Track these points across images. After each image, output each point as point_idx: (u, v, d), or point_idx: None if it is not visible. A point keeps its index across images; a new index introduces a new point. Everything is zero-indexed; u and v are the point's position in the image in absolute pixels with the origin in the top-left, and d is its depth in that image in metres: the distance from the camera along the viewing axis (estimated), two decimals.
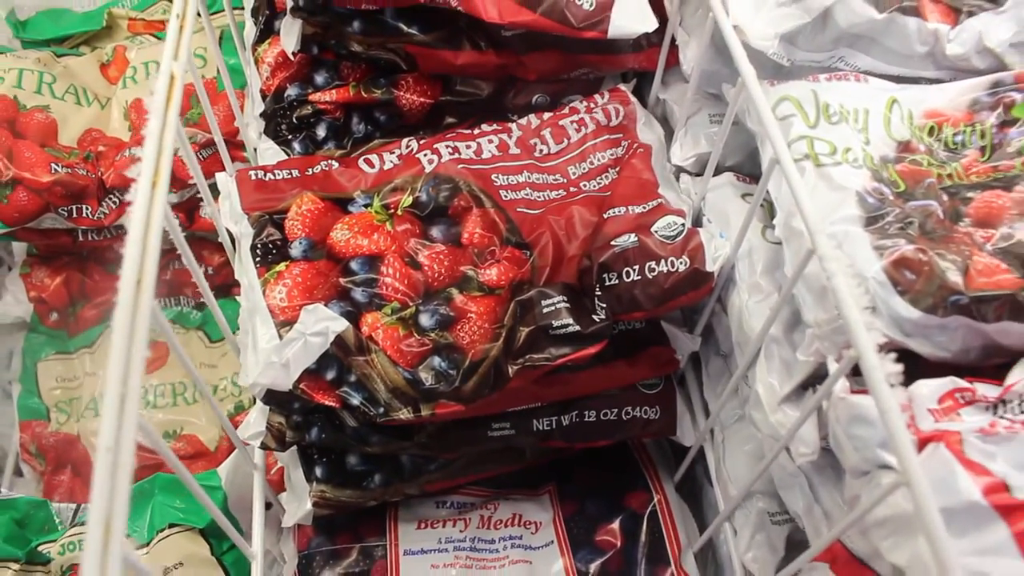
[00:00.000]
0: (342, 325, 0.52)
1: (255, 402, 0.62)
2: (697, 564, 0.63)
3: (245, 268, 0.56)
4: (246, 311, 0.56)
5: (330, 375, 0.53)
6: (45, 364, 0.80)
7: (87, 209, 0.74)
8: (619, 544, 0.63)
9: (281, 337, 0.52)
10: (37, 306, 0.80)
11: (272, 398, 0.54)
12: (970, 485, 0.41)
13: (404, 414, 0.53)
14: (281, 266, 0.56)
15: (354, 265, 0.56)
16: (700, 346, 0.61)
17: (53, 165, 0.72)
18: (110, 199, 0.74)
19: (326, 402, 0.53)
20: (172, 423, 0.75)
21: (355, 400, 0.53)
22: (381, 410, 0.53)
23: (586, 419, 0.61)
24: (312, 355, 0.52)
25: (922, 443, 0.44)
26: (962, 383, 0.49)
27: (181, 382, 0.77)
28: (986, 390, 0.49)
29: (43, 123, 0.75)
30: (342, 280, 0.56)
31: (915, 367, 0.49)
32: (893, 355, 0.38)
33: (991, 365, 0.51)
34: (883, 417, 0.37)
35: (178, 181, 0.74)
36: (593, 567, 0.62)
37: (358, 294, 0.55)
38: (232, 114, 0.71)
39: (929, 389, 0.48)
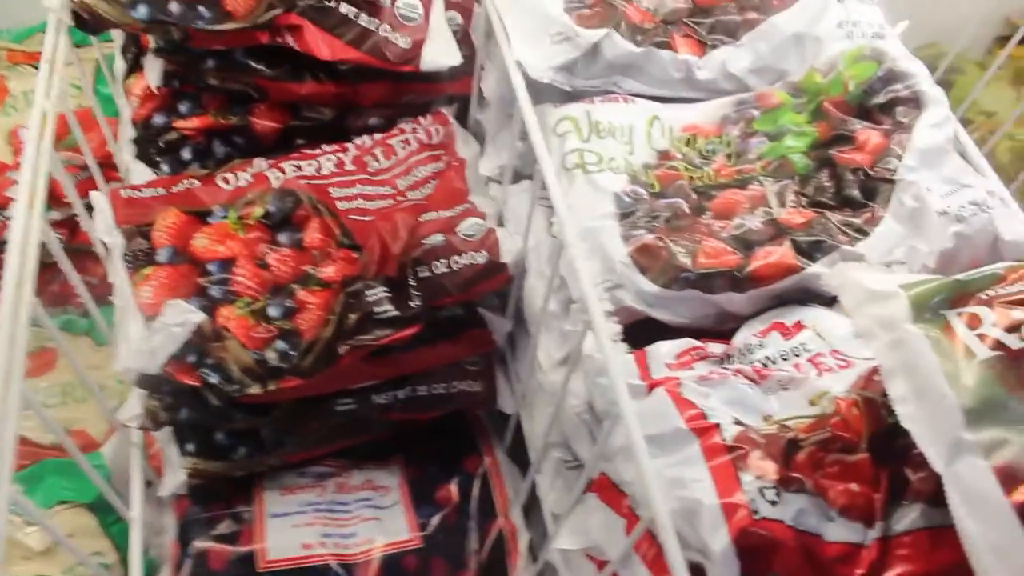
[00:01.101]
0: (199, 317, 0.65)
1: None
2: (527, 517, 0.78)
3: (118, 273, 0.69)
4: (119, 310, 0.68)
5: (191, 359, 0.66)
6: None
7: None
8: (455, 500, 0.77)
9: (148, 329, 0.65)
10: None
11: (144, 381, 0.67)
12: (676, 415, 0.56)
13: (254, 389, 0.66)
14: (148, 269, 0.69)
15: (211, 267, 0.70)
16: (513, 327, 0.76)
17: None
18: None
19: (189, 382, 0.66)
20: (63, 420, 0.87)
21: (213, 379, 0.66)
22: (235, 387, 0.66)
23: (418, 393, 0.75)
24: (175, 343, 0.65)
25: (651, 387, 0.59)
26: (696, 343, 0.64)
27: (70, 382, 0.89)
28: (715, 348, 0.64)
29: None
30: (200, 280, 0.69)
31: (667, 336, 0.65)
32: (615, 319, 0.52)
33: (727, 329, 0.67)
34: (607, 367, 0.51)
35: (59, 201, 0.86)
36: (434, 520, 0.76)
37: (214, 291, 0.68)
38: (105, 140, 0.83)
39: (667, 348, 0.63)
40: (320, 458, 0.79)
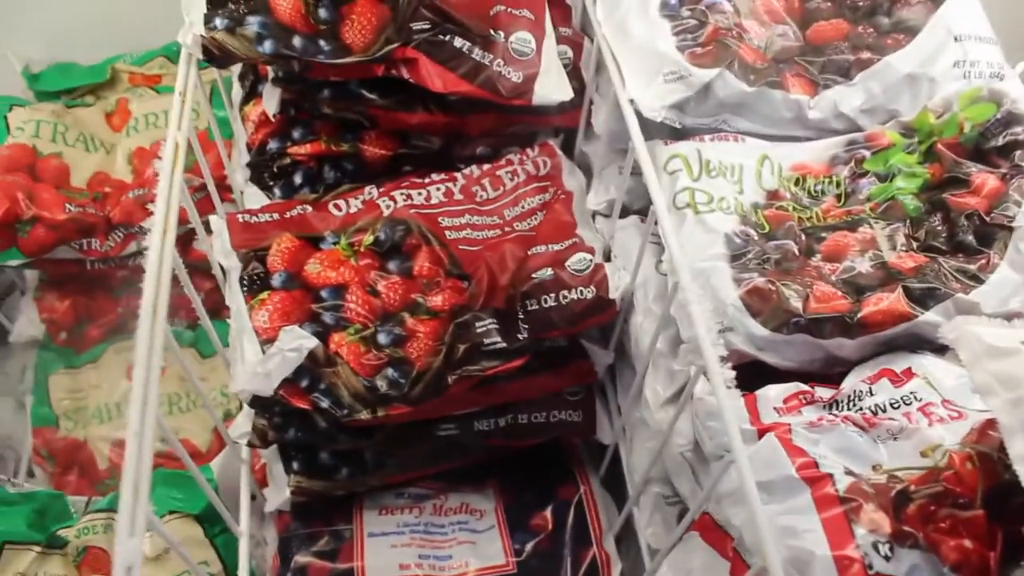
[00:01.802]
0: (313, 343, 0.68)
1: (242, 408, 0.78)
2: (619, 546, 0.79)
3: (234, 296, 0.72)
4: (235, 331, 0.72)
5: (304, 383, 0.69)
6: (55, 378, 0.95)
7: (95, 242, 0.90)
8: (550, 528, 0.78)
9: (264, 352, 0.68)
10: (48, 326, 0.96)
11: (257, 402, 0.70)
12: (788, 463, 0.57)
13: (363, 415, 0.69)
14: (264, 294, 0.72)
15: (324, 293, 0.73)
16: (615, 360, 0.77)
17: (67, 205, 0.89)
18: (116, 233, 0.90)
19: (301, 405, 0.69)
20: (173, 429, 0.91)
21: (324, 403, 0.69)
22: (345, 412, 0.69)
23: (519, 421, 0.77)
24: (289, 367, 0.68)
25: (761, 433, 0.60)
26: (804, 387, 0.65)
27: (176, 393, 0.93)
28: (823, 392, 0.65)
29: (58, 168, 0.92)
30: (314, 306, 0.72)
31: (772, 376, 0.66)
32: (730, 364, 0.54)
33: (836, 373, 0.68)
34: (721, 412, 0.52)
35: (181, 218, 0.90)
36: (528, 546, 0.77)
37: (327, 317, 0.71)
38: (221, 160, 0.87)
39: (776, 391, 0.64)
40: (419, 480, 0.81)
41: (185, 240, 0.94)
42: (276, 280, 0.73)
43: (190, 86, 0.71)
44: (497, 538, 0.78)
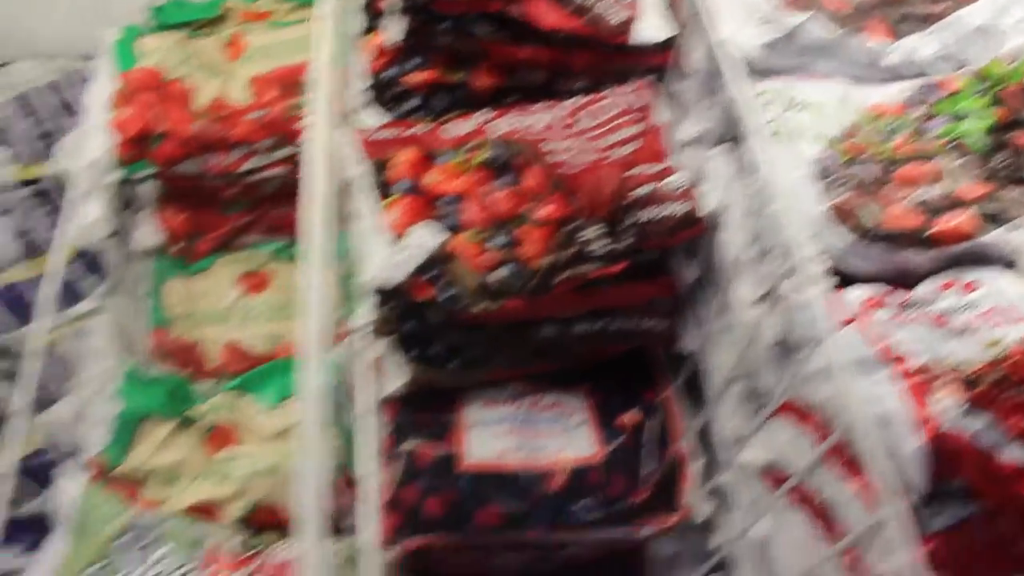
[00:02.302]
0: (439, 239, 0.77)
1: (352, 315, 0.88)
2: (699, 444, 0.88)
3: (367, 199, 0.81)
4: (364, 230, 0.80)
5: (428, 276, 0.78)
6: (169, 284, 1.05)
7: (217, 159, 0.99)
8: (635, 426, 0.87)
9: (394, 247, 0.77)
10: (166, 237, 1.05)
11: (383, 293, 0.79)
12: (868, 346, 0.66)
13: (479, 307, 0.78)
14: (392, 198, 0.81)
15: (443, 200, 0.81)
16: (699, 273, 0.86)
17: (192, 123, 0.98)
18: (235, 151, 0.99)
19: (423, 296, 0.77)
20: (274, 334, 1.00)
21: (444, 295, 0.77)
22: (463, 304, 0.78)
23: (611, 327, 0.86)
24: (417, 260, 0.77)
25: (845, 323, 0.69)
26: (883, 290, 0.74)
27: (280, 300, 1.02)
28: (899, 296, 0.74)
29: (182, 90, 1.01)
30: (435, 210, 0.81)
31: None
32: (825, 267, 0.62)
33: (908, 285, 0.76)
34: (809, 304, 0.61)
35: (289, 140, 0.99)
36: (615, 442, 0.86)
37: (447, 220, 0.80)
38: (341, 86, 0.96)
39: (857, 292, 0.73)
40: (517, 378, 0.90)
41: (296, 161, 1.02)
42: (400, 188, 0.82)
43: (333, 11, 0.80)
44: (587, 433, 0.87)
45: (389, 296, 0.80)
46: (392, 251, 0.78)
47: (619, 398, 0.90)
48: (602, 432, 0.87)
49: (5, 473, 0.78)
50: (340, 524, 0.92)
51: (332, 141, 0.70)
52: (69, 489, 0.83)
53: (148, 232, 1.06)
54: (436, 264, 0.78)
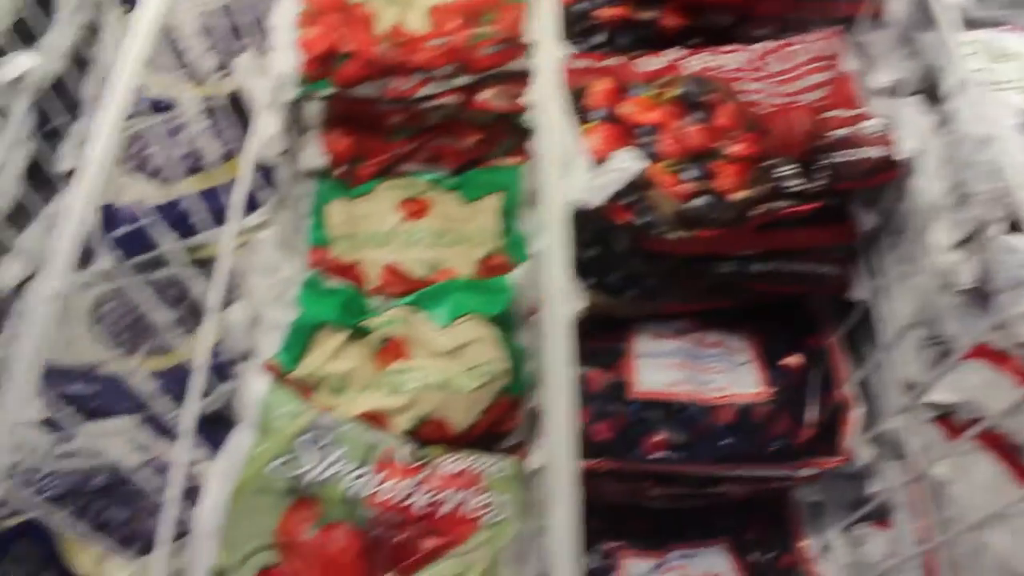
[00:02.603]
0: (640, 164, 0.79)
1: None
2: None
3: (569, 124, 0.82)
4: (565, 154, 0.82)
5: (627, 200, 0.79)
6: (332, 206, 1.07)
7: (395, 83, 1.01)
8: (799, 369, 0.89)
9: (596, 170, 0.79)
10: (329, 160, 1.08)
11: (580, 216, 0.80)
12: None
13: (673, 234, 0.79)
14: (590, 124, 0.82)
15: (640, 130, 0.83)
16: (878, 221, 0.87)
17: (374, 47, 1.00)
18: (413, 77, 1.01)
19: (621, 220, 0.79)
20: (433, 260, 1.02)
21: (642, 220, 0.79)
22: (659, 230, 0.79)
23: (786, 269, 0.87)
24: (618, 184, 0.79)
25: None
26: None
27: (442, 229, 1.04)
28: None
29: (364, 14, 1.03)
30: (633, 139, 0.82)
31: None
32: None
33: None
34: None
35: (466, 68, 1.01)
36: (780, 383, 0.88)
37: (645, 150, 0.82)
38: (519, 18, 0.97)
39: None
40: (684, 314, 0.92)
41: (472, 91, 1.04)
42: (597, 115, 0.84)
43: None
44: (753, 372, 0.89)
45: (585, 219, 0.81)
46: (593, 174, 0.79)
47: (783, 341, 0.92)
48: (767, 372, 0.89)
49: (200, 365, 0.80)
50: (502, 444, 0.94)
51: (557, 60, 0.71)
52: (253, 387, 0.86)
53: (313, 154, 1.08)
54: (635, 190, 0.80)
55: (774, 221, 0.81)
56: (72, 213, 0.56)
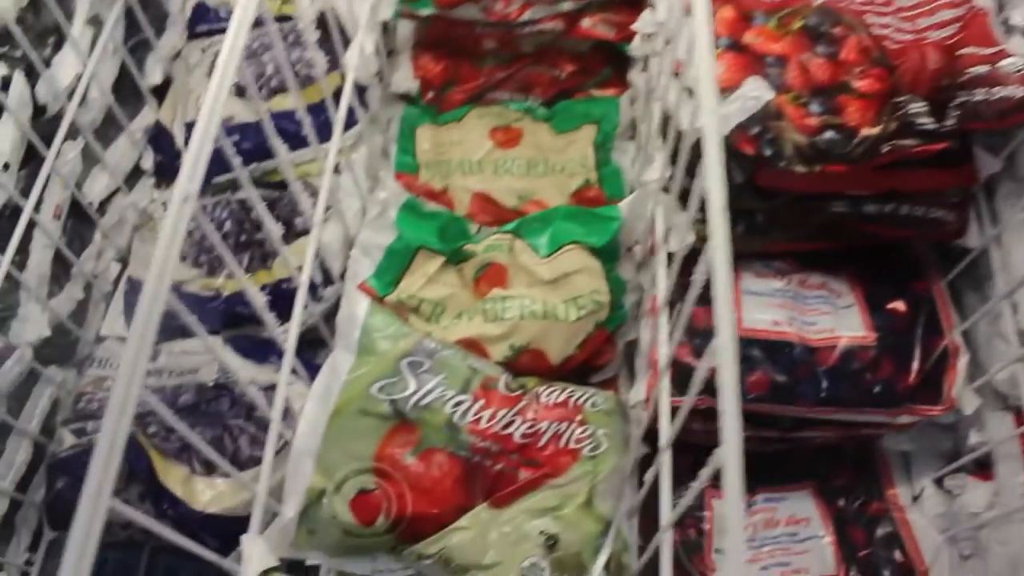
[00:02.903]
0: (770, 94, 0.76)
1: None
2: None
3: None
4: (690, 79, 0.79)
5: (753, 130, 0.76)
6: (420, 131, 1.04)
7: (498, 5, 0.98)
8: (904, 314, 0.86)
9: (725, 98, 0.76)
10: (420, 84, 1.05)
11: (698, 145, 0.78)
12: None
13: (800, 168, 0.76)
14: (716, 52, 0.79)
15: (767, 59, 0.80)
16: (1001, 165, 0.84)
17: None
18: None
19: (747, 150, 0.76)
20: (524, 189, 0.99)
21: (767, 151, 0.76)
22: (783, 163, 0.77)
23: (900, 212, 0.85)
24: (746, 112, 0.76)
25: None
26: None
27: (534, 158, 1.01)
28: None
29: None
30: (760, 70, 0.79)
31: None
32: None
33: None
34: None
35: None
36: (885, 326, 0.85)
37: (772, 80, 0.79)
38: None
39: None
40: (789, 255, 0.89)
41: (571, 19, 1.01)
42: (721, 43, 0.81)
43: None
44: (857, 315, 0.87)
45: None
46: (723, 101, 0.76)
47: (887, 285, 0.89)
48: (871, 316, 0.87)
49: (304, 282, 0.78)
50: (595, 378, 0.92)
51: None
52: (351, 308, 0.84)
53: (404, 77, 1.05)
54: (762, 120, 0.77)
55: (898, 160, 0.78)
56: (202, 121, 0.53)
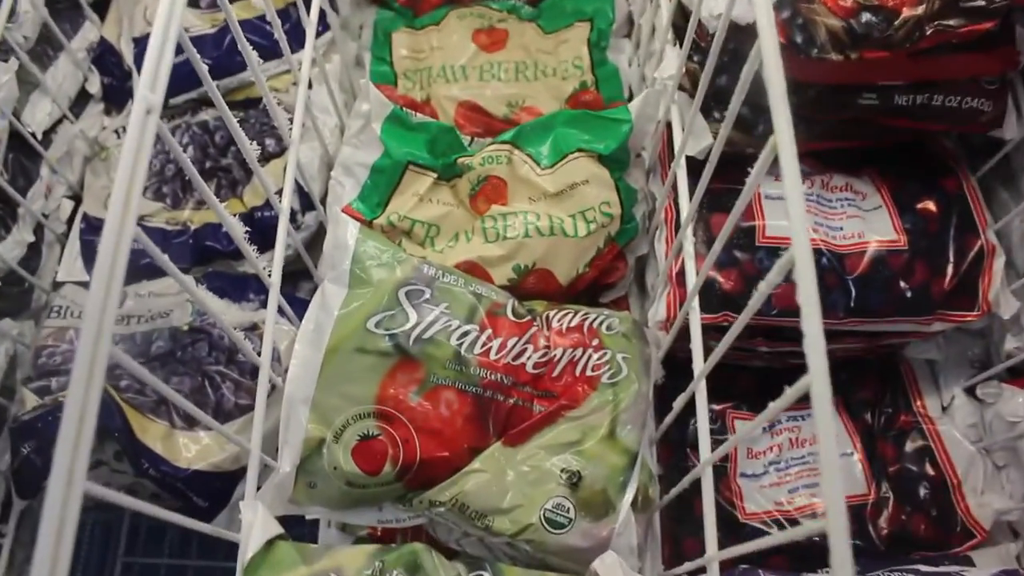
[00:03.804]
0: None
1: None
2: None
3: None
4: None
5: (783, 15, 0.67)
6: (396, 37, 0.93)
7: None
8: (936, 213, 0.79)
9: None
10: None
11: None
12: None
13: (834, 55, 0.67)
14: None
15: None
16: None
17: None
18: None
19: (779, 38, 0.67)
20: (514, 96, 0.89)
21: (798, 39, 0.67)
22: (815, 51, 0.67)
23: (933, 102, 0.76)
24: None
25: None
26: None
27: (523, 62, 0.91)
28: None
29: None
30: None
31: None
32: None
33: None
34: None
35: None
36: (916, 227, 0.78)
37: None
38: None
39: None
40: (810, 155, 0.81)
41: None
42: None
43: None
44: (885, 216, 0.79)
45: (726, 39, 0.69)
46: None
47: (915, 184, 0.81)
48: (901, 218, 0.79)
49: (285, 208, 0.68)
50: (606, 297, 0.84)
51: None
52: (337, 235, 0.74)
53: None
54: (793, 2, 0.67)
55: (940, 44, 0.69)
56: (162, 14, 0.43)
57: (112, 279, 0.37)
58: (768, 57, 0.44)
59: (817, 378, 0.36)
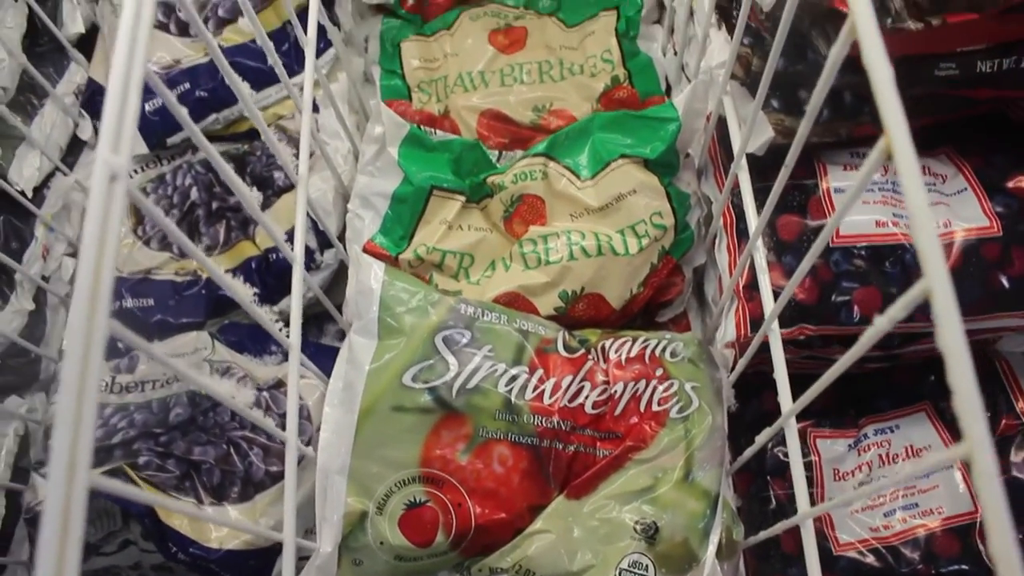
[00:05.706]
0: None
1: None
2: None
3: None
4: None
5: None
6: (406, 47, 0.83)
7: None
8: None
9: None
10: None
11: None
12: None
13: (912, 24, 0.56)
14: None
15: None
16: None
17: None
18: None
19: (844, 8, 0.56)
20: (541, 99, 0.79)
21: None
22: (890, 20, 0.57)
23: (1020, 65, 0.65)
24: None
25: None
26: None
27: (547, 61, 0.80)
28: None
29: None
30: None
31: None
32: None
33: None
34: None
35: None
36: (1009, 210, 0.67)
37: None
38: None
39: None
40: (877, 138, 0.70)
41: None
42: None
43: None
44: (972, 200, 0.68)
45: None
46: None
47: (1002, 160, 0.70)
48: (990, 200, 0.68)
49: (299, 255, 0.58)
50: (662, 317, 0.74)
51: None
52: (360, 278, 0.64)
53: None
54: None
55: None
56: (119, 63, 0.33)
57: (85, 387, 0.28)
58: (867, 37, 0.33)
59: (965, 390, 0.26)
